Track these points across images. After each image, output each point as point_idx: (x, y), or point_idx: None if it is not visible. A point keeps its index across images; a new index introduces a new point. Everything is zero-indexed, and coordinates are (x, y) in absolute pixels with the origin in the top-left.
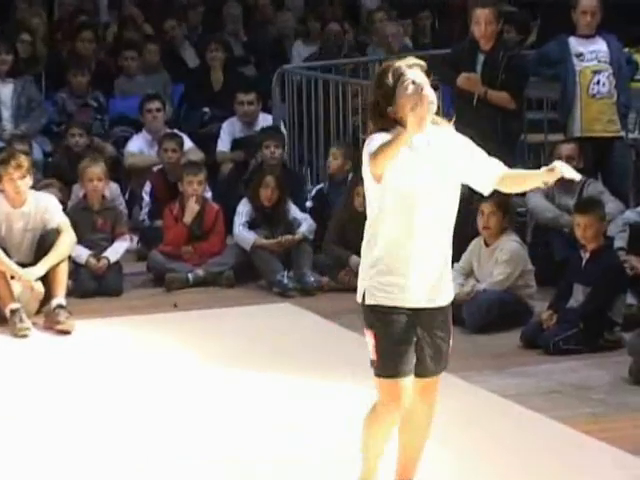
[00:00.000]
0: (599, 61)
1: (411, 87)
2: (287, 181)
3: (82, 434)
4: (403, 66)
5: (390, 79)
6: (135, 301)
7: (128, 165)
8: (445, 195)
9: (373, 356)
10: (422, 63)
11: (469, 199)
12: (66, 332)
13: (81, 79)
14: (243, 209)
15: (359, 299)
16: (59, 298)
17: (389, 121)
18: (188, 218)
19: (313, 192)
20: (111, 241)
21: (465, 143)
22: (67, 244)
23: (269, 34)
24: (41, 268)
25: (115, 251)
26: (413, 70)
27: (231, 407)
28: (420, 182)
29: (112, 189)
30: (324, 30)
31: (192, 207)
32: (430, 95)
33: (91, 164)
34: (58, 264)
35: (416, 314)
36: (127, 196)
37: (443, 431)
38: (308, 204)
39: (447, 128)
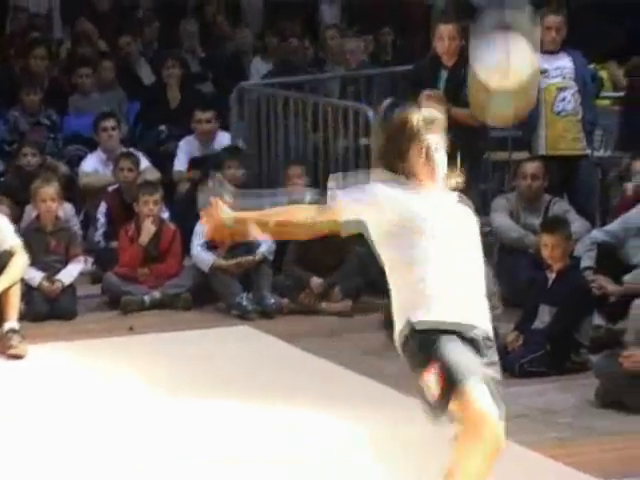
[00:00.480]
0: (564, 78)
1: (423, 158)
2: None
3: (33, 462)
4: (421, 125)
5: (406, 138)
6: (90, 324)
7: (82, 185)
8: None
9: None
10: (441, 117)
11: None
12: (19, 357)
13: (34, 97)
14: (201, 229)
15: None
16: (11, 322)
17: (396, 171)
18: (144, 239)
19: None
20: (65, 263)
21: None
22: (20, 266)
23: (227, 50)
24: None
25: (69, 273)
26: (431, 130)
27: (188, 431)
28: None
29: (66, 210)
30: (283, 46)
31: (148, 228)
32: (441, 164)
33: (44, 184)
34: (10, 287)
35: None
36: (81, 217)
37: (405, 458)
38: None
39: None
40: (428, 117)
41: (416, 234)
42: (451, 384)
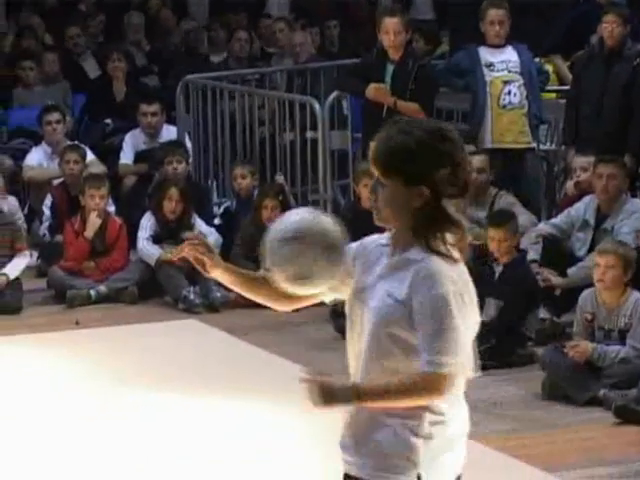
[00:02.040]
0: (510, 71)
1: None
2: (192, 194)
3: None
4: None
5: None
6: (35, 319)
7: (27, 178)
8: None
9: None
10: None
11: None
12: None
13: None
14: (147, 223)
15: None
16: None
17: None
18: (90, 233)
19: (220, 210)
20: (10, 257)
21: None
22: None
23: (172, 43)
24: None
25: (14, 267)
26: None
27: (131, 425)
28: None
29: (10, 203)
30: (230, 39)
31: (94, 221)
32: None
33: None
34: None
35: None
36: (26, 210)
37: None
38: (216, 221)
39: None
40: None
41: None
42: None
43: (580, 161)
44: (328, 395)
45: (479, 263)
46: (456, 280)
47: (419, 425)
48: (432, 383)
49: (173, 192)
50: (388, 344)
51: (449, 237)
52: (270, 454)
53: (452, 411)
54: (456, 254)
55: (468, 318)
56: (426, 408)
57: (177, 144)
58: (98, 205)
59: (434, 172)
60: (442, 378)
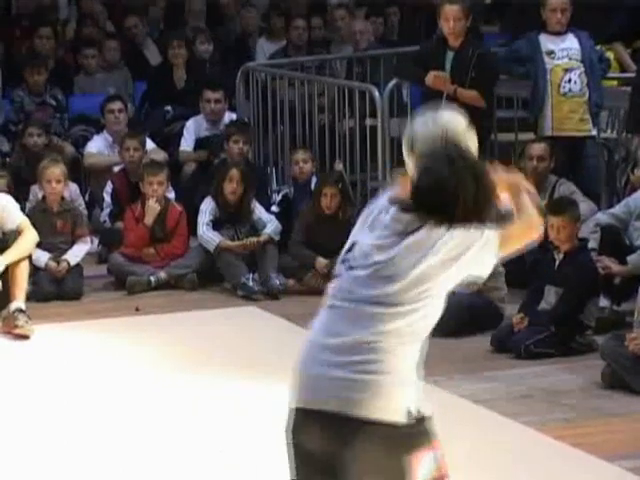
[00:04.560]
0: (570, 59)
1: None
2: (252, 177)
3: (42, 441)
4: None
5: None
6: (96, 305)
7: (87, 165)
8: None
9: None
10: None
11: None
12: (25, 337)
13: (39, 77)
14: (207, 207)
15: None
16: (18, 302)
17: None
18: (149, 219)
19: (279, 198)
20: (71, 243)
21: None
22: (29, 241)
23: (233, 31)
24: (1, 262)
25: (75, 254)
26: None
27: (194, 412)
28: None
29: (72, 190)
30: (289, 26)
31: (153, 208)
32: None
33: (50, 165)
34: (18, 265)
35: None
36: (87, 197)
37: None
38: (274, 209)
39: None
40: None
41: None
42: None
43: None
44: None
45: (541, 251)
46: None
47: None
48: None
49: (234, 173)
50: None
51: None
52: None
53: None
54: None
55: None
56: None
57: (245, 124)
58: (156, 192)
59: None
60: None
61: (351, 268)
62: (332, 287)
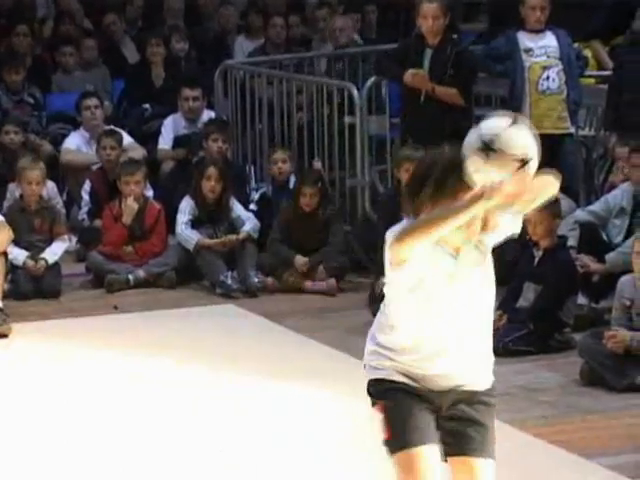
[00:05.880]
0: (548, 56)
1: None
2: (230, 176)
3: (23, 442)
4: None
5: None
6: (74, 303)
7: (65, 162)
8: None
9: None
10: None
11: None
12: (3, 335)
13: (16, 75)
14: (186, 206)
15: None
16: None
17: None
18: (127, 218)
19: (257, 196)
20: (49, 242)
21: None
22: (2, 240)
23: (211, 29)
24: None
25: (53, 252)
26: None
27: (173, 410)
28: None
29: (49, 188)
30: (267, 24)
31: (130, 206)
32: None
33: (31, 167)
34: None
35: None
36: (65, 195)
37: None
38: (252, 207)
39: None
40: None
41: None
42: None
43: (623, 151)
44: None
45: (520, 249)
46: None
47: None
48: None
49: (212, 171)
50: None
51: None
52: (304, 437)
53: None
54: None
55: None
56: None
57: (223, 122)
58: (133, 191)
59: None
60: None
61: None
62: None
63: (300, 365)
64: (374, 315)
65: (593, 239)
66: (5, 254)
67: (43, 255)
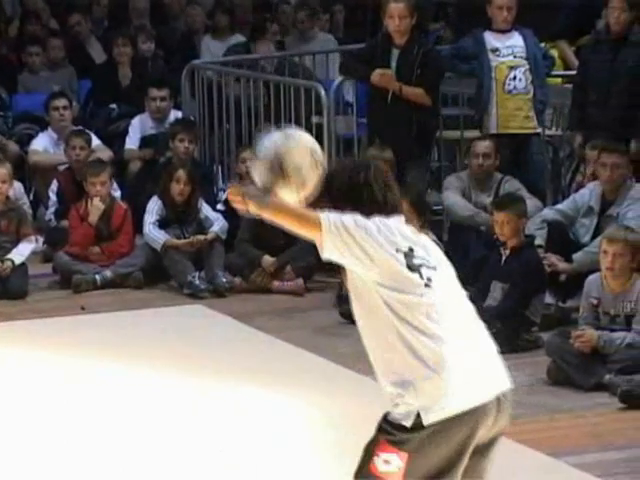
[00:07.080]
0: (515, 56)
1: None
2: (199, 177)
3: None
4: None
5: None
6: (41, 304)
7: (32, 163)
8: None
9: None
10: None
11: None
12: None
13: None
14: (153, 206)
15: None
16: None
17: None
18: (93, 218)
19: (225, 196)
20: (16, 242)
21: None
22: None
23: (178, 29)
24: None
25: (20, 253)
26: None
27: (139, 410)
28: None
29: (16, 189)
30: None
31: (97, 206)
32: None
33: None
34: None
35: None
36: (31, 196)
37: (358, 436)
38: (220, 207)
39: None
40: None
41: None
42: None
43: (592, 154)
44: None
45: (487, 248)
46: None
47: None
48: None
49: (181, 174)
50: None
51: None
52: (273, 437)
53: None
54: None
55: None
56: None
57: (190, 122)
58: (99, 192)
59: None
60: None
61: None
62: None
63: (267, 366)
64: (342, 315)
65: (561, 238)
66: None
67: (10, 256)
